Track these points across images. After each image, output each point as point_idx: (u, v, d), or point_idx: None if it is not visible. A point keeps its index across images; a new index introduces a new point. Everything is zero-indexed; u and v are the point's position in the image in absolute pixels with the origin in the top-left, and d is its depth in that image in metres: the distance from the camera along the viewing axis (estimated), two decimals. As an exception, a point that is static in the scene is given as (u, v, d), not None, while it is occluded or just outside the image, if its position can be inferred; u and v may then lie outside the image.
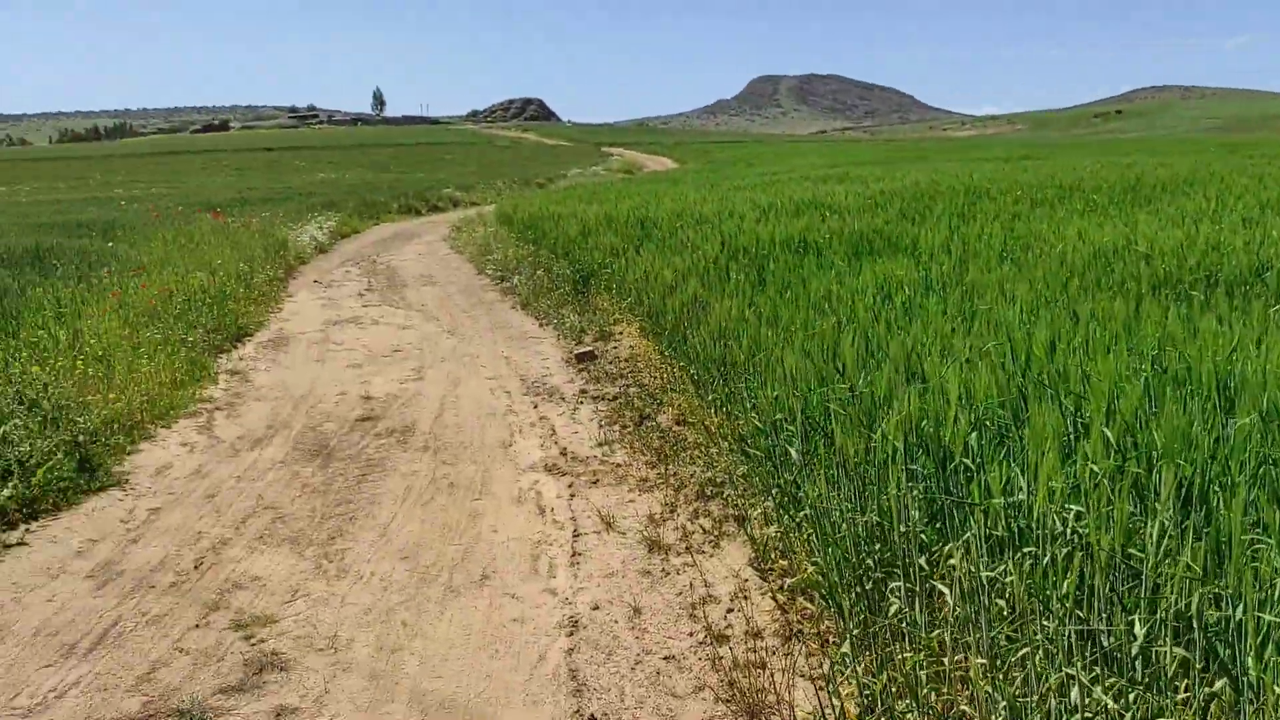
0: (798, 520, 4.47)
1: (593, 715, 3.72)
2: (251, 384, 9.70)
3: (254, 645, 4.36)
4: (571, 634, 4.37)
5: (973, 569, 3.07)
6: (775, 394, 5.13)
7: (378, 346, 11.43)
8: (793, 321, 6.69)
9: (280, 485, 6.56)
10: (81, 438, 6.76)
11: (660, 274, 9.73)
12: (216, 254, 16.32)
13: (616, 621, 4.47)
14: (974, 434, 3.65)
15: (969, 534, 3.20)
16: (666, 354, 8.52)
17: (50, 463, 6.34)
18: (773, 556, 4.69)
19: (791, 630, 4.17)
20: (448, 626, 4.50)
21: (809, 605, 4.23)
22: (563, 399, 8.59)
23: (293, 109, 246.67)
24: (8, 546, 5.52)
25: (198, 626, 4.55)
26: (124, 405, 7.80)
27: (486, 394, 8.94)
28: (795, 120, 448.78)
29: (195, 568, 5.24)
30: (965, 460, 3.50)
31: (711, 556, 5.06)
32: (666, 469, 6.36)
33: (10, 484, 5.97)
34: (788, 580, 4.43)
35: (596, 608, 4.61)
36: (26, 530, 5.78)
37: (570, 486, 6.32)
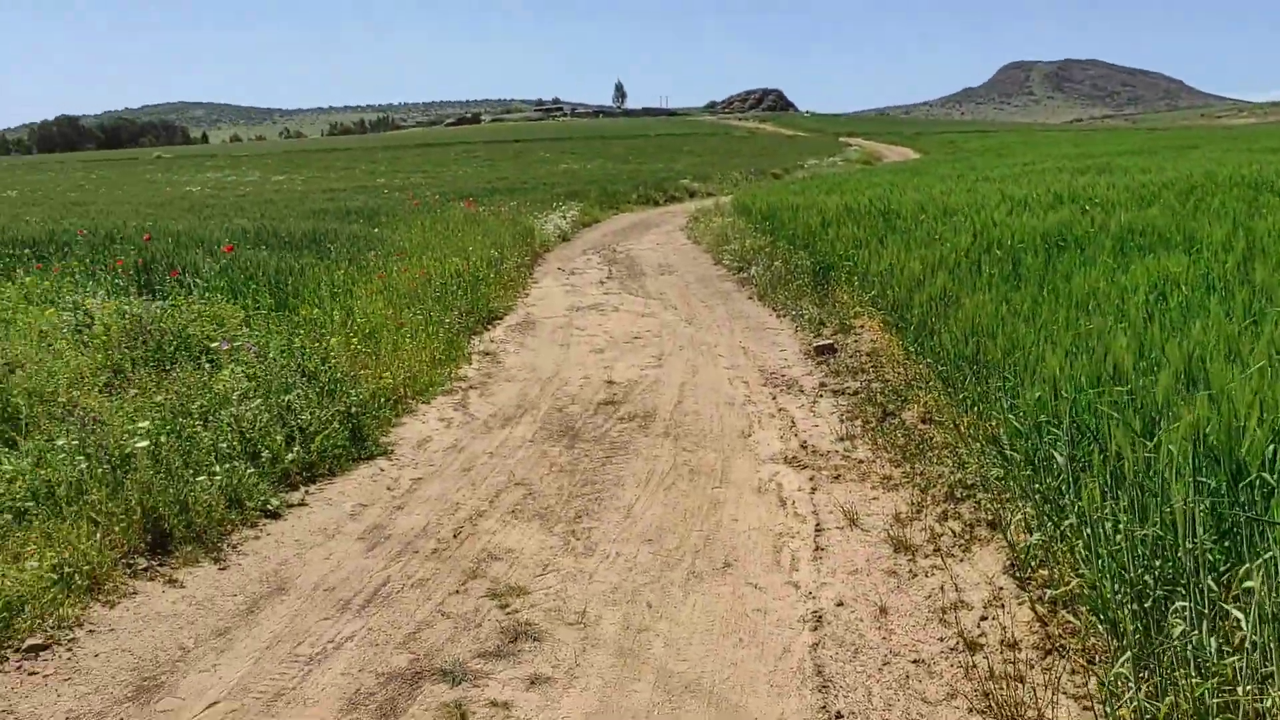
0: (1061, 529, 4.23)
1: (839, 713, 3.66)
2: (502, 365, 10.15)
3: (509, 614, 4.55)
4: (816, 629, 4.32)
5: (1274, 594, 2.80)
6: (1037, 395, 4.87)
7: (619, 333, 11.69)
8: (1053, 320, 6.34)
9: (530, 463, 6.83)
10: (354, 409, 7.27)
11: (906, 267, 9.46)
12: (469, 240, 17.17)
13: (862, 620, 4.38)
14: (1271, 447, 3.34)
15: (1268, 555, 2.93)
16: (911, 349, 8.28)
17: (327, 430, 6.85)
18: (1033, 565, 4.46)
19: (1052, 644, 3.95)
20: (691, 611, 4.55)
21: (1072, 619, 4.00)
22: (802, 391, 8.51)
23: (539, 102, 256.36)
24: (290, 506, 6.01)
25: (457, 592, 4.80)
26: (389, 380, 8.33)
27: (725, 383, 8.98)
28: (1049, 109, 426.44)
29: (454, 536, 5.53)
30: (1264, 475, 3.20)
31: (962, 561, 4.87)
32: (912, 468, 6.18)
33: (294, 449, 6.49)
34: (1049, 591, 4.20)
35: (841, 604, 4.54)
36: (306, 492, 6.27)
37: (811, 480, 6.25)
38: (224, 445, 6.16)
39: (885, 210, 14.55)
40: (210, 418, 6.54)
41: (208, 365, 7.43)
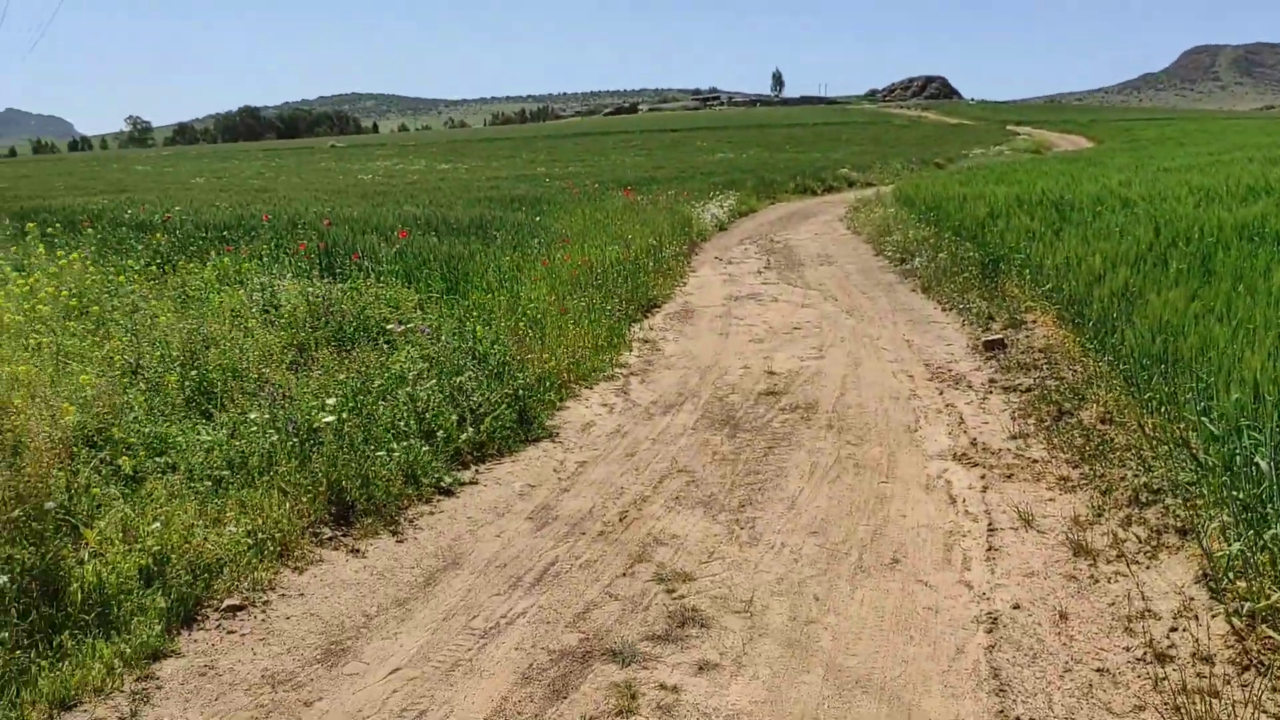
0: (1264, 539, 3.98)
1: (1018, 718, 3.55)
2: (661, 352, 10.22)
3: (675, 599, 4.59)
4: (991, 631, 4.20)
5: None
6: (1235, 397, 4.60)
7: (778, 323, 11.61)
8: (1250, 318, 5.98)
9: (692, 450, 6.86)
10: (521, 392, 7.45)
11: (1085, 260, 9.07)
12: (628, 229, 17.34)
13: (1040, 624, 4.23)
14: None
15: None
16: (1089, 347, 7.94)
17: (496, 412, 7.04)
18: (1230, 576, 4.22)
19: (1251, 660, 3.73)
20: (859, 606, 4.49)
21: (1274, 635, 3.76)
22: (970, 387, 8.26)
23: (696, 91, 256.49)
24: (462, 484, 6.21)
25: (624, 575, 4.87)
26: (554, 365, 8.49)
27: (888, 376, 8.81)
28: (1236, 95, 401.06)
29: (620, 520, 5.60)
30: None
31: (1148, 568, 4.65)
32: (1091, 469, 5.93)
33: (466, 429, 6.70)
34: (1247, 604, 3.96)
35: (1017, 607, 4.40)
36: (476, 471, 6.47)
37: (983, 478, 6.07)
38: (401, 423, 6.41)
39: (1059, 201, 13.98)
40: (388, 396, 6.81)
41: (385, 346, 7.74)
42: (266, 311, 8.76)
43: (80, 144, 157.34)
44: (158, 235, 13.20)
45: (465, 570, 5.00)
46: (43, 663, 3.82)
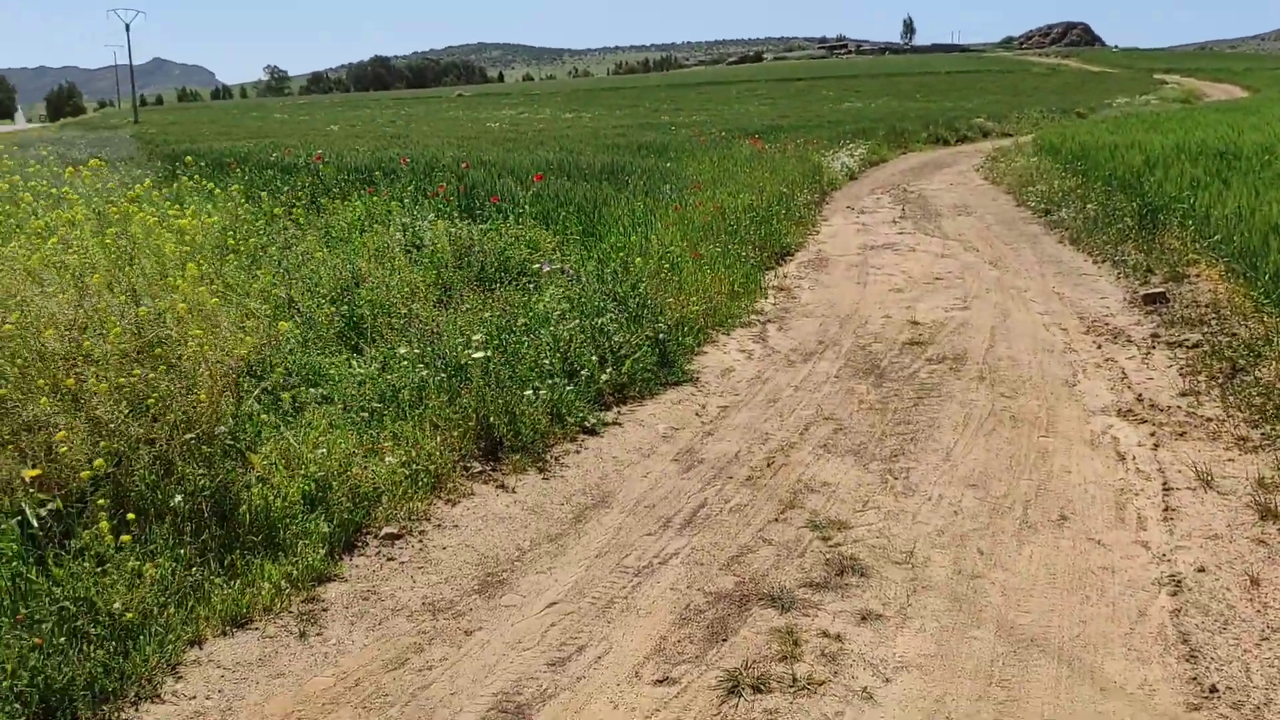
0: None
1: (1213, 686, 3.32)
2: (797, 300, 10.00)
3: (831, 547, 4.46)
4: (1175, 594, 3.95)
5: None
6: None
7: (917, 273, 11.25)
8: None
9: (837, 399, 6.68)
10: (660, 335, 7.36)
11: (1259, 211, 8.49)
12: (757, 177, 17.04)
13: (1229, 590, 3.97)
14: None
15: None
16: (1264, 301, 7.43)
17: (637, 354, 6.97)
18: None
19: None
20: (1027, 563, 4.28)
21: None
22: (1130, 341, 7.84)
23: (822, 39, 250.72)
24: (605, 425, 6.16)
25: (776, 521, 4.76)
26: (692, 310, 8.38)
27: (1040, 329, 8.43)
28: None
29: (768, 466, 5.48)
30: None
31: (1347, 535, 4.32)
32: (1273, 429, 5.54)
33: (607, 370, 6.65)
34: None
35: (1202, 570, 4.13)
36: (618, 412, 6.42)
37: (1152, 435, 5.74)
38: (545, 362, 6.39)
39: (1223, 150, 13.16)
40: (531, 335, 6.80)
41: (529, 286, 7.73)
42: (410, 251, 8.85)
43: (221, 93, 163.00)
44: (303, 177, 13.50)
45: (614, 509, 4.96)
46: (216, 580, 3.92)
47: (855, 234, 14.50)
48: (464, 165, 12.16)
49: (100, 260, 5.49)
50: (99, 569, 3.71)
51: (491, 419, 5.59)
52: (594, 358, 6.65)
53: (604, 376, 6.53)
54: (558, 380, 6.26)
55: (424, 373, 5.89)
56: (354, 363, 6.25)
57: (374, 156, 15.27)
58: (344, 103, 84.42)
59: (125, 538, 3.81)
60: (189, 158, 16.13)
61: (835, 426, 6.12)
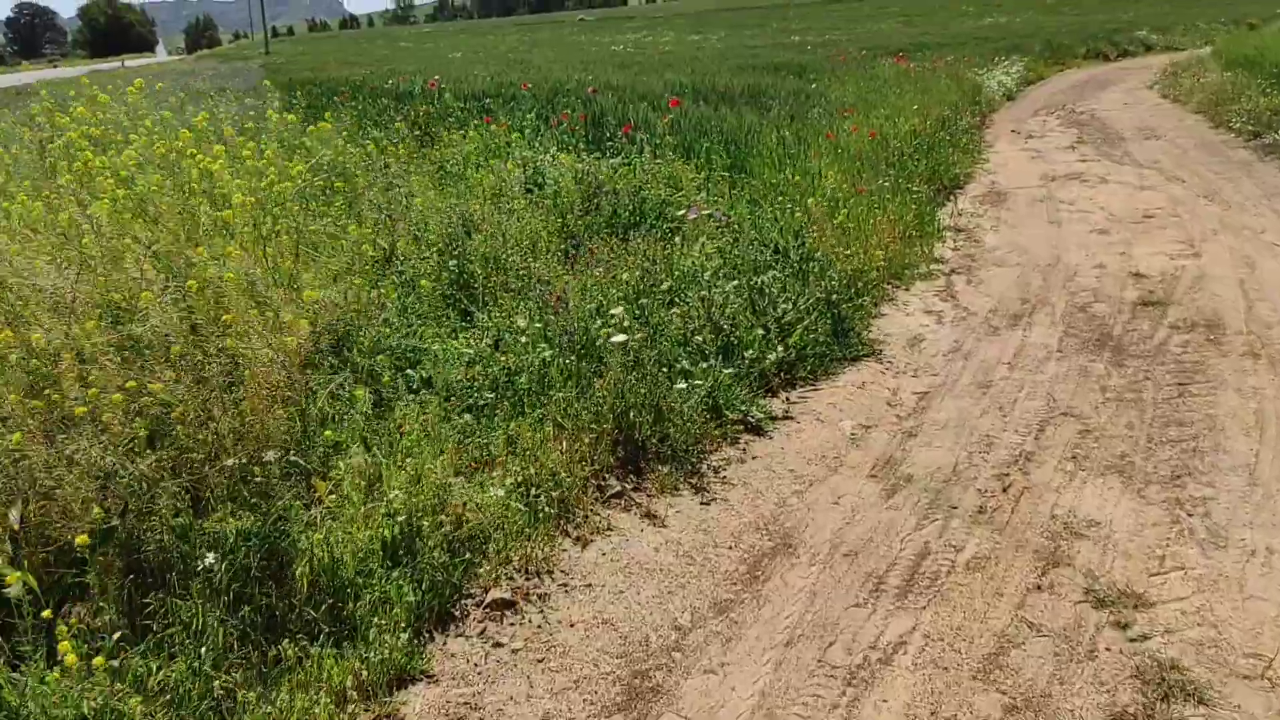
0: None
1: None
2: (981, 245, 8.36)
3: (1134, 642, 3.01)
4: None
5: None
6: None
7: (1119, 209, 9.42)
8: None
9: (1070, 383, 5.13)
10: (833, 296, 5.90)
11: None
12: (910, 99, 15.16)
13: None
14: None
15: None
16: None
17: (806, 321, 5.55)
18: None
19: None
20: None
21: None
22: None
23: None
24: (773, 419, 4.78)
25: (1039, 589, 3.32)
26: (861, 261, 6.87)
27: (1305, 284, 6.66)
28: None
29: (1003, 490, 4.03)
30: None
31: None
32: None
33: (773, 345, 5.24)
34: None
35: None
36: (787, 400, 5.03)
37: None
38: (698, 338, 5.02)
39: None
40: (678, 301, 5.44)
41: (670, 235, 6.34)
42: (530, 191, 7.55)
43: (349, 22, 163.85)
44: (418, 105, 12.29)
45: (801, 557, 3.59)
46: (251, 692, 2.71)
47: (1029, 162, 12.60)
48: (591, 90, 10.73)
49: (129, 219, 4.32)
50: (84, 679, 2.54)
51: (633, 416, 4.27)
52: (757, 330, 5.25)
53: (770, 356, 5.12)
54: (712, 362, 4.89)
55: (547, 353, 4.59)
56: (462, 338, 4.99)
57: (493, 81, 13.93)
58: (468, 29, 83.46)
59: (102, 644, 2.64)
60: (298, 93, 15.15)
61: (1080, 427, 4.59)
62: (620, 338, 4.31)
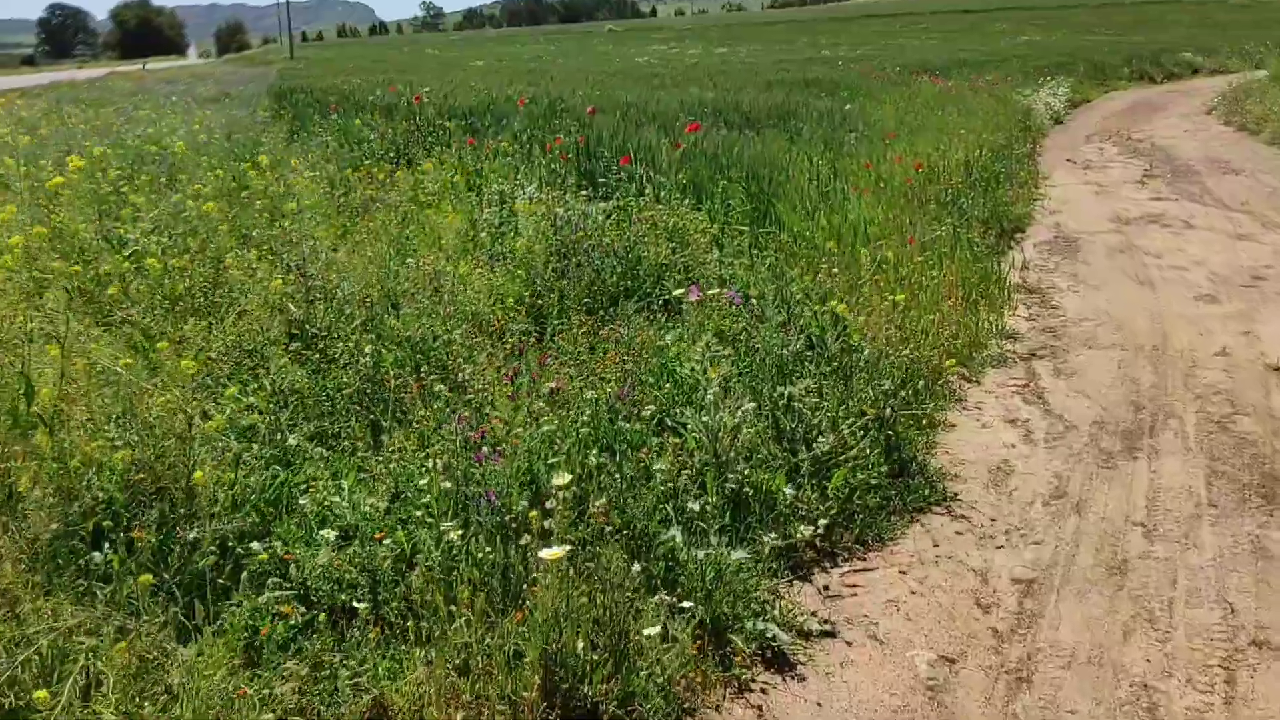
0: None
1: None
2: (1061, 313, 6.64)
3: None
4: None
5: None
6: None
7: (1220, 266, 7.66)
8: None
9: (1246, 574, 3.38)
10: (888, 407, 4.18)
11: None
12: (956, 122, 13.44)
13: None
14: None
15: None
16: None
17: (851, 452, 3.84)
18: None
19: None
20: None
21: None
22: None
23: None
24: (806, 635, 3.06)
25: None
26: (918, 346, 5.16)
27: None
28: None
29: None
30: None
31: None
32: None
33: (806, 499, 3.53)
34: None
35: None
36: (825, 594, 3.30)
37: None
38: (691, 503, 3.29)
39: None
40: (667, 424, 3.75)
41: (669, 317, 4.63)
42: (499, 238, 5.88)
43: (379, 29, 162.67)
44: (401, 122, 10.66)
45: None
46: None
47: (1095, 199, 10.83)
48: (589, 111, 9.01)
49: None
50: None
51: (574, 661, 2.59)
52: (781, 479, 3.54)
53: (803, 530, 3.40)
54: (715, 538, 3.19)
55: (455, 534, 2.91)
56: (346, 485, 3.31)
57: (489, 95, 12.23)
58: (497, 38, 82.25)
59: None
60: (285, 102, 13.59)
61: (1290, 676, 2.87)
62: (554, 551, 2.59)
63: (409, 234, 5.81)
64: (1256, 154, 13.60)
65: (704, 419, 3.57)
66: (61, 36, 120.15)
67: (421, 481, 3.08)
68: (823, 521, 3.50)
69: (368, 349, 4.28)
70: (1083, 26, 49.40)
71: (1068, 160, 13.73)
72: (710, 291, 4.30)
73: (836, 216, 6.66)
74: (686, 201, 6.33)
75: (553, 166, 7.60)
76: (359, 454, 3.65)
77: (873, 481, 3.78)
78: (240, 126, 12.19)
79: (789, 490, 3.45)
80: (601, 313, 4.91)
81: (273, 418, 3.71)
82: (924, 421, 4.51)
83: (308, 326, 4.59)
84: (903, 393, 4.45)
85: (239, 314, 4.50)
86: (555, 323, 4.66)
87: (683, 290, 4.40)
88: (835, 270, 5.37)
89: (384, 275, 4.90)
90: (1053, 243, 8.81)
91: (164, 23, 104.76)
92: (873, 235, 6.84)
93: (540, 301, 4.89)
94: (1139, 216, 9.74)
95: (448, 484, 2.99)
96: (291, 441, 3.61)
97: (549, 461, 3.16)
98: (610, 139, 7.65)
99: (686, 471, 3.41)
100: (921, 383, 4.75)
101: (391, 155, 9.59)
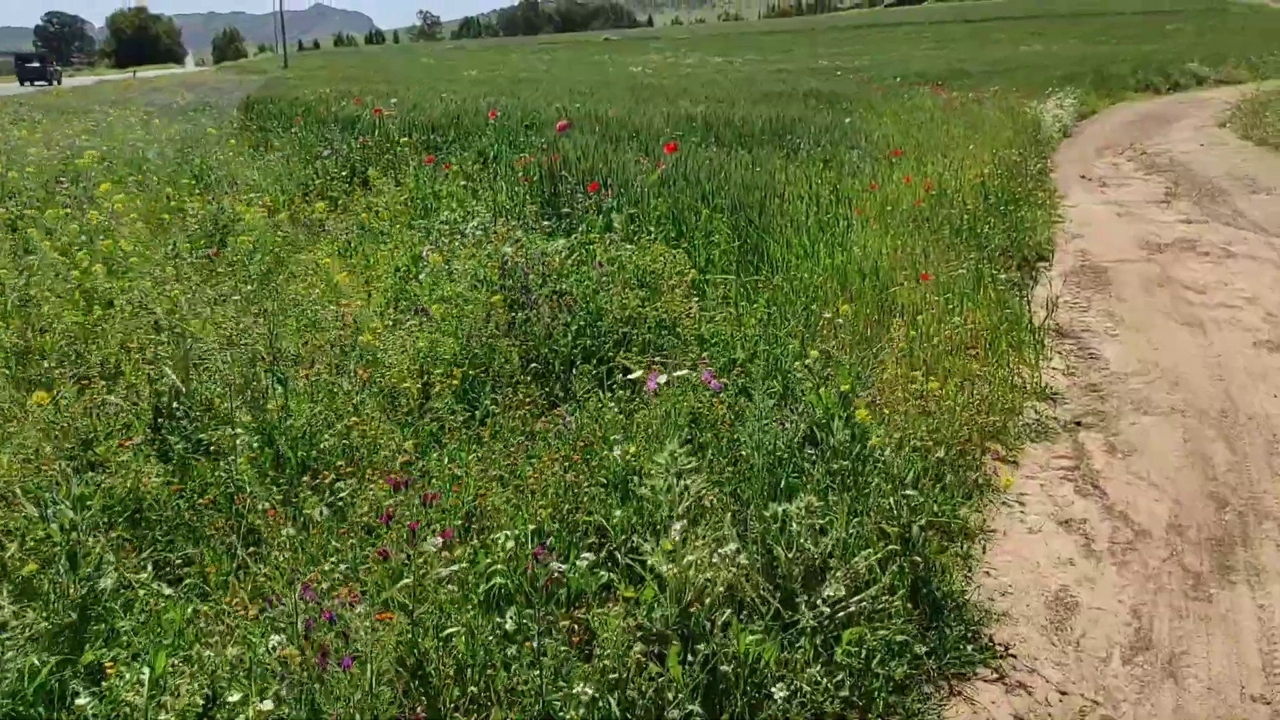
0: None
1: None
2: (1101, 363, 5.64)
3: None
4: None
5: None
6: None
7: (1274, 303, 6.68)
8: None
9: None
10: (913, 528, 3.15)
11: None
12: (962, 135, 12.46)
13: None
14: None
15: None
16: None
17: (869, 593, 2.83)
18: None
19: None
20: None
21: None
22: None
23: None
24: None
25: None
26: (944, 424, 4.14)
27: None
28: None
29: None
30: None
31: None
32: None
33: (807, 678, 2.52)
34: None
35: None
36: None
37: None
38: (636, 693, 2.27)
39: None
40: (619, 558, 2.73)
41: (626, 391, 3.59)
42: (438, 282, 4.87)
43: (375, 38, 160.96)
44: (357, 139, 9.64)
45: None
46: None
47: (1118, 221, 9.85)
48: (560, 126, 7.91)
49: None
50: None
51: None
52: (772, 648, 2.52)
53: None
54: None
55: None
56: (153, 670, 2.28)
57: (460, 107, 11.14)
58: (493, 47, 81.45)
59: None
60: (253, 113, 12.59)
61: None
62: None
63: (334, 276, 4.80)
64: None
65: (666, 567, 2.55)
66: (58, 44, 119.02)
67: (234, 697, 2.06)
68: (830, 707, 2.48)
69: (242, 438, 3.27)
70: (1086, 37, 48.57)
71: (1082, 177, 12.74)
72: (680, 373, 3.27)
73: (841, 253, 5.63)
74: (664, 235, 5.30)
75: (516, 190, 6.58)
76: (208, 600, 2.65)
77: (897, 638, 2.76)
78: (198, 141, 11.18)
79: (770, 648, 2.42)
80: (554, 382, 3.89)
81: (95, 540, 2.70)
82: (957, 529, 3.50)
83: (178, 404, 3.59)
84: (931, 496, 3.43)
85: (81, 387, 3.48)
86: (489, 398, 3.64)
87: (641, 372, 3.37)
88: (843, 333, 4.33)
89: (279, 333, 3.88)
90: (1080, 272, 7.82)
91: (161, 31, 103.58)
92: (883, 272, 5.83)
93: (475, 369, 3.87)
94: (1171, 242, 8.75)
95: (266, 706, 1.97)
96: (105, 584, 2.61)
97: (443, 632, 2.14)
98: (579, 160, 6.60)
99: (640, 646, 2.39)
100: (950, 475, 3.74)
101: (346, 174, 8.59)
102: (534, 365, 3.97)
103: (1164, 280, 7.45)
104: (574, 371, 3.83)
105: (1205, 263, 7.98)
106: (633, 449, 2.94)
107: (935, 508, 3.40)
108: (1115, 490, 4.04)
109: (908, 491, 3.24)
